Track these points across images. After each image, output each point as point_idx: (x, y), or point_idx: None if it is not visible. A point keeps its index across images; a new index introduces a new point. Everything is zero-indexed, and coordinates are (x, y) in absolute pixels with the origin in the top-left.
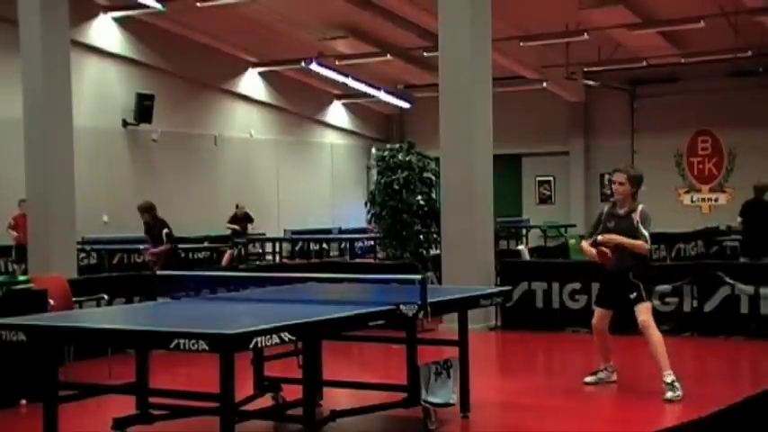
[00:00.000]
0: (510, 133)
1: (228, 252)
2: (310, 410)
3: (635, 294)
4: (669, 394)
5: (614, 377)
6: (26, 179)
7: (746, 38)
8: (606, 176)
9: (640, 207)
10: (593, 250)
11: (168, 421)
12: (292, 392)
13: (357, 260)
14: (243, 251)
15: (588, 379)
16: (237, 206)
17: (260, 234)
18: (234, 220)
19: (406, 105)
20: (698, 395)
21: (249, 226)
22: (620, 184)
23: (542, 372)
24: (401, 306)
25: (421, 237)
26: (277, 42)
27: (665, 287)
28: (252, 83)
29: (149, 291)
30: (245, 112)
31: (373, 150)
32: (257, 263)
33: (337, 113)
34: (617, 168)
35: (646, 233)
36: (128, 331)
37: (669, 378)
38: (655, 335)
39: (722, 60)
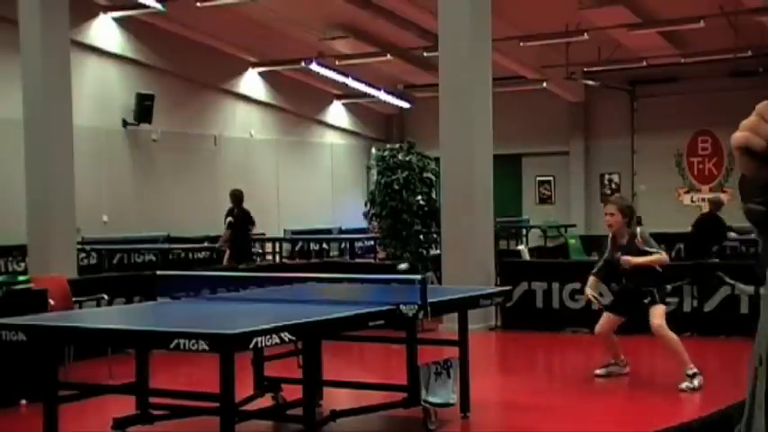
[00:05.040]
0: (510, 133)
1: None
2: (310, 410)
3: (649, 299)
4: (686, 384)
5: (626, 370)
6: (26, 179)
7: (746, 38)
8: (606, 176)
9: (639, 230)
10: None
11: (168, 421)
12: (292, 392)
13: (357, 260)
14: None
15: (599, 371)
16: None
17: (260, 234)
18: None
19: (406, 105)
20: (698, 395)
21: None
22: (611, 215)
23: (542, 372)
24: (401, 306)
25: (421, 237)
26: (277, 42)
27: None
28: (252, 83)
29: (149, 291)
30: (245, 112)
31: (373, 150)
32: (257, 263)
33: (337, 113)
34: (607, 199)
35: (655, 248)
36: (128, 331)
37: (691, 371)
38: (670, 336)
39: (722, 60)
